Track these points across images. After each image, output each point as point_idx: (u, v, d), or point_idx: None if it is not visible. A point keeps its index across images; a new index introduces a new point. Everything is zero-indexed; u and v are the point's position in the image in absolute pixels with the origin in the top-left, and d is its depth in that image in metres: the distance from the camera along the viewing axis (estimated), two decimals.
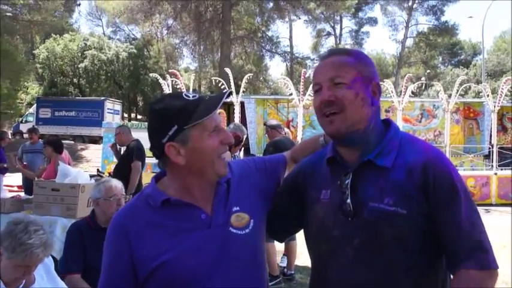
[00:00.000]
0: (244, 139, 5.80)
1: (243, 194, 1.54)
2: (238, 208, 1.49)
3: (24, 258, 2.18)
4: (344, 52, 1.49)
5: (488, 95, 13.09)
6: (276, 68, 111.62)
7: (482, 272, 1.31)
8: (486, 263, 1.32)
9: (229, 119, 15.76)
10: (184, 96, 1.44)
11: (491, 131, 14.34)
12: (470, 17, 36.98)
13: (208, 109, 1.41)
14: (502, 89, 12.76)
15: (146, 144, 6.79)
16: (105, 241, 1.48)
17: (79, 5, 40.99)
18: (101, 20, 46.16)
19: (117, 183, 3.40)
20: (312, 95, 1.58)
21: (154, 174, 1.63)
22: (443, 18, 41.73)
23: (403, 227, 1.34)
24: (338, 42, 44.26)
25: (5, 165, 8.92)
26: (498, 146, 13.67)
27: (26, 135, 11.01)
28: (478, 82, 30.74)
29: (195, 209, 1.43)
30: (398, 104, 13.09)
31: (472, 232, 1.34)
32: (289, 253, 5.59)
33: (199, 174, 1.45)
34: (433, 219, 1.35)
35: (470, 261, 1.31)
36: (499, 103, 13.00)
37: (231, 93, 1.60)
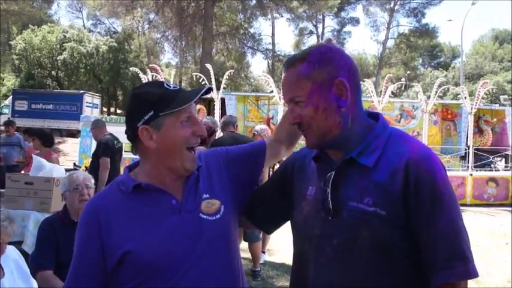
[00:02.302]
0: (217, 130, 5.88)
1: (212, 181, 1.56)
2: (207, 195, 1.51)
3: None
4: (299, 60, 1.40)
5: (465, 97, 13.29)
6: (258, 65, 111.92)
7: (462, 283, 1.27)
8: (465, 273, 1.26)
9: (210, 115, 15.68)
10: (166, 85, 1.49)
11: (468, 132, 14.57)
12: (450, 20, 37.46)
13: (185, 100, 1.45)
14: (479, 91, 12.97)
15: (124, 138, 6.72)
16: (76, 228, 1.48)
17: None
18: (81, 12, 45.53)
19: (80, 174, 3.32)
20: None
21: None
22: (423, 21, 42.40)
23: (381, 230, 1.28)
24: (320, 41, 44.41)
25: None
26: (474, 148, 13.90)
27: (1, 128, 10.74)
28: (457, 84, 31.28)
29: (165, 195, 1.45)
30: (378, 104, 13.20)
31: (452, 240, 1.27)
32: (253, 253, 5.57)
33: (168, 162, 1.46)
34: (412, 223, 1.29)
35: (448, 271, 1.25)
36: (476, 105, 13.21)
37: (211, 89, 1.57)
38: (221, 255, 1.45)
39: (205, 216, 1.45)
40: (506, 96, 23.76)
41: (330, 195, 1.36)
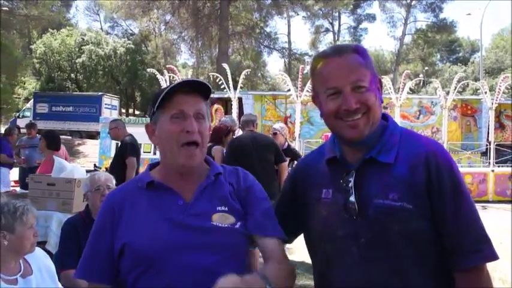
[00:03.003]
0: (235, 129, 5.90)
1: (230, 198, 1.48)
2: (225, 208, 1.45)
3: (25, 220, 2.40)
4: (352, 50, 1.42)
5: (486, 92, 13.08)
6: (274, 64, 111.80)
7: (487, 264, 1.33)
8: (491, 254, 1.33)
9: (227, 114, 15.73)
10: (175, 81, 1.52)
11: (488, 128, 14.35)
12: (469, 14, 36.79)
13: (167, 93, 1.43)
14: (500, 86, 12.75)
15: (142, 139, 6.76)
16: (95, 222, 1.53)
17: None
18: (98, 15, 46.06)
19: (101, 175, 3.37)
20: (311, 91, 1.54)
21: None
22: (441, 16, 41.78)
23: (410, 222, 1.32)
24: (336, 38, 44.20)
25: (14, 161, 8.91)
26: (495, 143, 13.67)
27: (23, 130, 10.96)
28: (476, 79, 30.77)
29: (173, 194, 1.45)
30: (396, 101, 13.07)
31: (475, 224, 1.34)
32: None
33: (167, 159, 1.48)
34: (437, 213, 1.33)
35: (477, 254, 1.31)
36: (496, 100, 13.00)
37: (201, 84, 1.48)
38: (226, 254, 1.38)
39: (215, 223, 1.40)
40: None
41: (352, 195, 1.37)
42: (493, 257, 1.33)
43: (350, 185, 1.39)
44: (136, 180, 1.54)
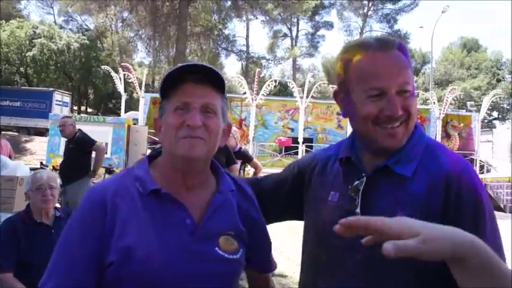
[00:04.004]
0: None
1: (237, 220, 1.33)
2: (231, 232, 1.30)
3: None
4: (396, 45, 1.23)
5: (434, 103, 13.61)
6: (231, 66, 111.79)
7: None
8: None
9: None
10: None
11: (436, 137, 14.91)
12: (421, 27, 38.40)
13: (173, 80, 1.24)
14: (447, 97, 13.31)
15: (95, 137, 6.67)
16: (69, 221, 1.25)
17: None
18: (52, 8, 44.50)
19: (44, 173, 3.23)
20: (336, 85, 1.35)
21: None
22: (396, 27, 43.31)
23: None
24: (294, 44, 44.75)
25: None
26: None
27: None
28: (426, 90, 31.94)
29: (181, 210, 1.24)
30: None
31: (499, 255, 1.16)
32: None
33: (168, 156, 1.28)
34: None
35: None
36: (444, 111, 13.55)
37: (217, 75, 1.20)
38: (220, 283, 1.26)
39: (221, 252, 1.26)
40: (472, 103, 24.38)
41: (359, 205, 1.23)
42: None
43: (358, 192, 1.25)
44: (133, 178, 1.27)
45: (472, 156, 16.16)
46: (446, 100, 13.38)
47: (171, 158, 1.26)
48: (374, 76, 1.19)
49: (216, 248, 1.25)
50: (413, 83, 1.25)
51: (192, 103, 1.22)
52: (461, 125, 18.01)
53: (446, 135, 17.93)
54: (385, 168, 1.23)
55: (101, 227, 1.19)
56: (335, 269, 1.26)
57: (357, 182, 1.26)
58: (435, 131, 15.76)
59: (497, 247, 1.14)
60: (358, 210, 1.22)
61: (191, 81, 1.24)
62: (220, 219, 1.29)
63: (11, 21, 34.17)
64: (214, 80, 1.26)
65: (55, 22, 42.23)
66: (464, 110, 21.37)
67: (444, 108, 13.49)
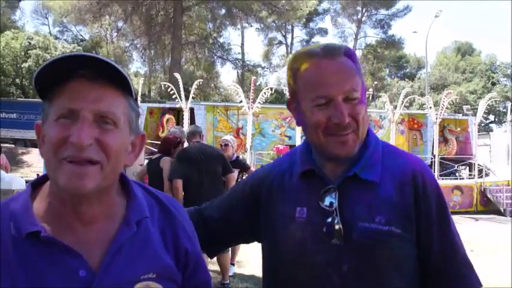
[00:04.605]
0: (184, 141, 5.85)
1: (160, 254, 0.99)
2: (152, 275, 0.96)
3: None
4: (344, 52, 1.21)
5: (431, 107, 13.60)
6: (227, 75, 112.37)
7: None
8: (476, 281, 1.25)
9: (179, 125, 15.54)
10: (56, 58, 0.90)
11: (433, 142, 14.90)
12: (415, 32, 38.46)
13: (46, 72, 0.90)
14: (443, 101, 13.30)
15: None
16: None
17: (20, 0, 39.28)
18: (47, 18, 44.53)
19: None
20: (288, 95, 1.33)
21: None
22: (390, 32, 43.51)
23: (399, 248, 1.19)
24: (289, 51, 44.84)
25: None
26: (440, 157, 14.20)
27: None
28: (422, 95, 31.99)
29: (73, 259, 0.90)
30: None
31: (460, 249, 1.26)
32: (222, 265, 5.50)
33: (51, 183, 0.96)
34: (422, 237, 1.22)
35: (463, 282, 1.24)
36: (440, 115, 13.53)
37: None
38: None
39: None
40: (468, 106, 24.43)
41: (337, 217, 1.20)
42: (478, 283, 1.25)
43: (330, 204, 1.22)
44: (9, 215, 0.92)
45: (470, 161, 16.17)
46: (443, 104, 13.37)
47: (56, 185, 0.92)
48: (320, 84, 1.18)
49: None
50: (364, 89, 1.23)
51: (80, 110, 0.88)
52: (458, 129, 18.04)
53: (444, 139, 17.94)
54: (353, 176, 1.23)
55: None
56: (322, 286, 1.21)
57: (324, 194, 1.23)
58: (432, 136, 15.74)
59: (459, 238, 1.27)
60: (336, 221, 1.19)
61: (81, 78, 0.91)
62: (131, 259, 0.94)
63: (5, 33, 34.12)
64: (115, 78, 0.92)
65: (50, 33, 42.22)
66: (461, 114, 21.42)
67: (441, 112, 13.47)
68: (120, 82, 0.93)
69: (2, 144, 6.96)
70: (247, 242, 1.48)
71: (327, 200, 1.22)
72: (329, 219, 1.20)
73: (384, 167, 1.25)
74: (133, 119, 0.98)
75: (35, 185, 1.00)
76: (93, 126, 0.89)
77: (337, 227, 1.19)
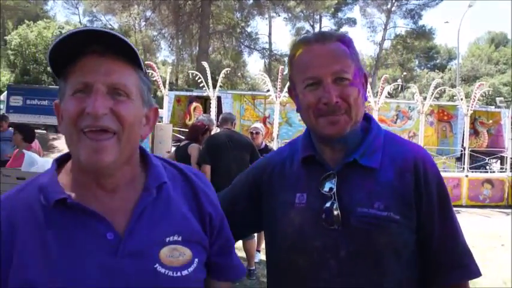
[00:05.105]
0: (212, 128, 5.90)
1: (183, 218, 1.04)
2: (177, 238, 1.00)
3: None
4: (336, 38, 1.25)
5: (461, 99, 13.29)
6: (254, 64, 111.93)
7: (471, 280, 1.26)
8: (476, 270, 1.26)
9: (206, 113, 15.64)
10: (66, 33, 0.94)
11: (463, 134, 14.59)
12: (447, 22, 37.80)
13: (58, 49, 0.94)
14: (475, 93, 12.97)
15: None
16: None
17: None
18: (77, 8, 45.27)
19: None
20: (288, 84, 1.36)
21: None
22: (420, 22, 42.42)
23: (397, 234, 1.20)
24: None
25: None
26: (470, 149, 13.90)
27: None
28: (453, 86, 31.35)
29: (98, 222, 0.95)
30: (375, 105, 13.17)
31: (461, 238, 1.27)
32: (248, 251, 5.53)
33: (72, 156, 1.01)
34: (423, 224, 1.23)
35: (461, 270, 1.25)
36: (471, 107, 13.22)
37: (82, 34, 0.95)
38: None
39: (164, 270, 0.96)
40: (502, 99, 23.80)
41: (336, 202, 1.21)
42: (478, 272, 1.26)
43: (330, 190, 1.23)
44: (38, 188, 0.99)
45: (502, 154, 15.79)
46: (474, 96, 13.03)
47: (77, 160, 0.97)
48: (310, 66, 1.22)
49: (157, 265, 0.96)
50: (360, 74, 1.25)
51: (94, 83, 0.93)
52: (490, 121, 17.59)
53: (475, 132, 17.54)
54: (353, 162, 1.24)
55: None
56: (319, 271, 1.22)
57: (325, 180, 1.24)
58: (463, 128, 15.42)
59: (459, 227, 1.27)
60: (335, 207, 1.21)
61: (92, 54, 0.96)
62: (155, 223, 0.99)
63: (38, 22, 34.91)
64: (125, 53, 0.97)
65: (80, 22, 42.99)
66: (493, 107, 20.88)
67: (472, 104, 13.16)
68: (129, 56, 0.98)
69: (36, 131, 7.14)
70: (254, 232, 1.48)
71: (327, 186, 1.24)
72: (327, 204, 1.22)
73: (385, 154, 1.27)
74: (145, 91, 1.03)
75: (59, 162, 1.07)
76: (107, 97, 0.94)
77: (335, 212, 1.20)
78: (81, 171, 0.99)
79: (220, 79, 12.96)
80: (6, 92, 27.69)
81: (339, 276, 1.19)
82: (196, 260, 1.01)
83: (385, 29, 42.93)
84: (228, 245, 1.17)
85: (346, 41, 1.26)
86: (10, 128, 9.27)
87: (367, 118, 1.36)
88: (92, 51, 0.95)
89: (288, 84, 1.37)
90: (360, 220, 1.19)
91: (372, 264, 1.19)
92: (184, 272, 0.98)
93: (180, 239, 1.00)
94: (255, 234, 5.55)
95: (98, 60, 0.95)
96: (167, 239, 0.99)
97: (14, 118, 18.96)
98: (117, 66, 0.96)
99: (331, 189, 1.23)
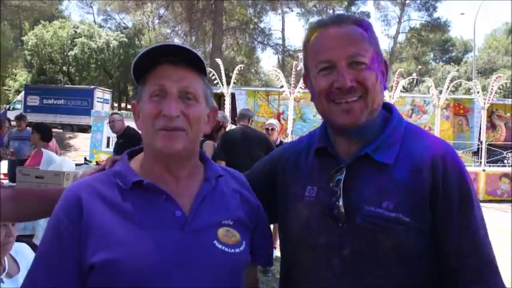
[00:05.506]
0: (226, 125, 5.93)
1: (234, 207, 1.21)
2: (230, 222, 1.17)
3: None
4: (354, 21, 1.18)
5: (478, 92, 13.12)
6: (268, 60, 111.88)
7: None
8: (497, 285, 1.11)
9: (220, 110, 15.69)
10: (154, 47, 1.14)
11: (480, 127, 14.42)
12: (462, 14, 37.18)
13: (145, 60, 1.13)
14: (492, 86, 12.80)
15: None
16: (48, 223, 1.15)
17: None
18: (91, 7, 45.70)
19: (88, 169, 3.30)
20: (303, 70, 1.29)
21: None
22: (435, 15, 41.88)
23: (405, 238, 1.10)
24: None
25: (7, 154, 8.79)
26: (487, 143, 13.73)
27: (13, 123, 10.83)
28: (469, 79, 30.92)
29: (169, 202, 1.12)
30: (390, 99, 13.08)
31: (483, 246, 1.13)
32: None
33: (147, 147, 1.19)
34: (439, 228, 1.12)
35: (479, 285, 1.10)
36: (489, 100, 13.05)
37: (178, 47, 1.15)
38: (222, 281, 1.12)
39: (221, 246, 1.12)
40: None
41: (341, 198, 1.15)
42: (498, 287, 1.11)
43: (338, 184, 1.16)
44: (112, 175, 1.17)
45: None
46: (491, 89, 12.84)
47: (152, 150, 1.16)
48: (323, 48, 1.16)
49: (215, 242, 1.12)
50: (377, 58, 1.18)
51: (169, 88, 1.11)
52: (508, 114, 17.37)
53: (492, 125, 17.34)
54: (365, 156, 1.16)
55: (78, 231, 1.07)
56: (320, 270, 1.17)
57: (334, 173, 1.18)
58: (479, 122, 15.23)
59: (484, 234, 1.14)
60: (340, 203, 1.14)
61: (167, 63, 1.13)
62: (213, 208, 1.17)
63: (53, 22, 35.30)
64: (193, 62, 1.15)
65: (94, 21, 43.34)
66: (511, 99, 20.60)
67: (489, 97, 12.97)
68: (196, 65, 1.16)
69: (52, 130, 7.26)
70: (270, 222, 1.40)
71: (336, 179, 1.18)
72: (334, 199, 1.16)
73: (403, 149, 1.17)
74: (208, 95, 1.21)
75: (130, 155, 1.25)
76: (179, 101, 1.12)
77: (340, 208, 1.14)
78: (154, 160, 1.16)
79: (234, 75, 12.99)
80: (23, 92, 28.11)
81: (341, 276, 1.14)
82: (244, 242, 1.17)
83: (399, 22, 42.48)
84: (268, 229, 1.33)
85: (364, 25, 1.18)
86: (28, 127, 9.42)
87: (388, 107, 1.27)
88: (165, 62, 1.13)
89: (302, 72, 1.30)
90: (365, 219, 1.12)
91: (375, 267, 1.12)
92: (237, 250, 1.14)
93: (232, 223, 1.17)
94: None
95: (171, 69, 1.13)
96: (223, 222, 1.16)
97: (32, 117, 19.22)
98: (187, 73, 1.14)
99: (338, 183, 1.17)
